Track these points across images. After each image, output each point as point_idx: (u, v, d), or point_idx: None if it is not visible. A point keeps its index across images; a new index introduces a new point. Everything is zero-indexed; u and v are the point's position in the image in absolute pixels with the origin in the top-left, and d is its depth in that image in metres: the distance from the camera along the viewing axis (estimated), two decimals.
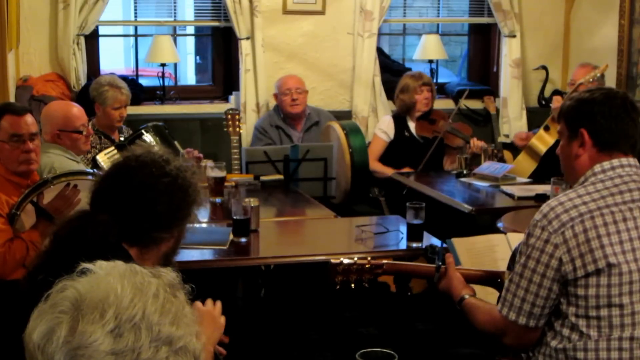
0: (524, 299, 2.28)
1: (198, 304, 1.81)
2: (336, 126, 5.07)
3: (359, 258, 2.61)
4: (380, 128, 5.45)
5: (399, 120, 5.43)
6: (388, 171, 5.23)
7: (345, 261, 2.56)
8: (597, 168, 2.34)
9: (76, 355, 1.14)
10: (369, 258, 2.59)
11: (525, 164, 4.88)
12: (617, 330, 2.22)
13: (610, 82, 5.46)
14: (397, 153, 5.33)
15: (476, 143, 5.12)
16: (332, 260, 2.56)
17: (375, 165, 5.29)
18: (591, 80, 4.90)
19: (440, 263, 2.63)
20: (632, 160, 2.36)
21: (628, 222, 2.26)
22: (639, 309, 2.22)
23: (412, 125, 5.41)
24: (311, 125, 5.42)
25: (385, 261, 2.62)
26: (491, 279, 2.64)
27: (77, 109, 4.11)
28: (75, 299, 1.17)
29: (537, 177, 4.76)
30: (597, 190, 2.29)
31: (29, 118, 3.44)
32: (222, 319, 1.96)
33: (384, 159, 5.37)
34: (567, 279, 2.23)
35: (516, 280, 2.30)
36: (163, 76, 5.83)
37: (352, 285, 2.57)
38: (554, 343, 2.27)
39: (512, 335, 2.32)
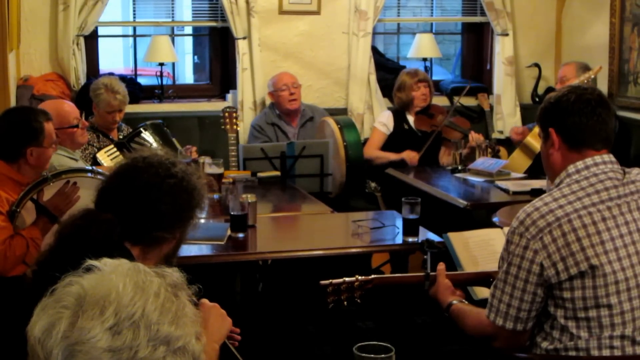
0: (509, 304, 2.27)
1: (205, 301, 1.80)
2: (330, 121, 5.11)
3: (347, 277, 2.57)
4: (380, 121, 5.51)
5: (399, 114, 5.49)
6: (390, 156, 5.28)
7: (334, 282, 2.54)
8: (571, 169, 2.32)
9: (74, 350, 1.14)
10: (357, 276, 2.57)
11: (520, 161, 4.90)
12: (607, 330, 2.21)
13: (603, 79, 5.50)
14: (396, 146, 5.37)
15: (475, 136, 5.17)
16: (321, 283, 2.55)
17: (377, 153, 5.33)
18: (586, 82, 4.93)
19: (428, 271, 2.62)
20: (607, 157, 2.34)
21: (608, 221, 2.24)
22: (627, 308, 2.22)
23: (411, 119, 5.47)
24: (306, 121, 5.46)
25: (373, 276, 2.60)
26: (483, 279, 2.63)
27: (68, 105, 4.14)
28: (78, 294, 1.18)
29: (531, 174, 4.79)
30: (573, 192, 2.27)
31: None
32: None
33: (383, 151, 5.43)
34: (551, 283, 2.22)
35: (500, 286, 2.30)
36: (161, 75, 5.87)
37: (345, 303, 2.55)
38: (545, 344, 2.28)
39: (501, 339, 2.33)
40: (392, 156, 5.28)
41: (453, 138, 5.34)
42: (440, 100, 6.01)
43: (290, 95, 5.35)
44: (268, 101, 5.60)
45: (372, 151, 5.35)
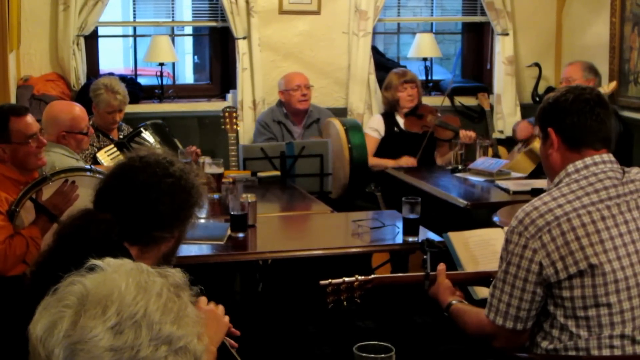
0: (509, 304, 2.28)
1: (203, 302, 1.80)
2: (336, 122, 5.10)
3: (346, 277, 2.57)
4: (371, 126, 5.51)
5: (388, 117, 5.49)
6: (388, 162, 5.27)
7: (334, 282, 2.54)
8: (571, 168, 2.33)
9: (75, 349, 1.14)
10: (357, 276, 2.57)
11: (525, 164, 4.89)
12: (607, 329, 2.22)
13: (603, 79, 5.49)
14: (389, 149, 5.37)
15: (465, 134, 5.16)
16: (321, 283, 2.55)
17: (373, 160, 5.33)
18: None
19: (428, 271, 2.62)
20: (606, 156, 2.34)
21: (607, 220, 2.25)
22: (627, 307, 2.22)
23: (401, 121, 5.46)
24: (312, 122, 5.46)
25: (373, 276, 2.61)
26: (483, 278, 2.64)
27: (80, 110, 4.12)
28: (81, 294, 1.18)
29: (532, 174, 4.79)
30: (572, 191, 2.28)
31: (30, 115, 3.47)
32: (226, 318, 1.95)
33: (378, 156, 5.41)
34: (550, 282, 2.23)
35: (499, 285, 2.30)
36: (161, 75, 5.87)
37: (345, 303, 2.55)
38: (544, 344, 2.28)
39: (501, 339, 2.33)
40: (389, 163, 5.27)
41: (445, 137, 5.33)
42: (440, 100, 6.01)
43: (302, 95, 5.36)
44: (270, 100, 5.60)
45: (369, 158, 5.32)
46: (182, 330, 1.20)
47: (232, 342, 2.01)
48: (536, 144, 4.87)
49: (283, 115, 5.43)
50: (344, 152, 4.94)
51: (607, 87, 5.03)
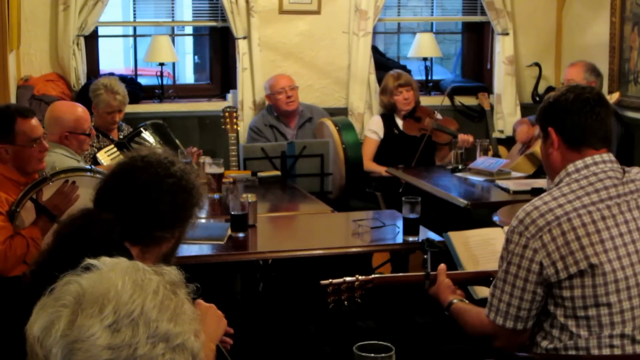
0: (509, 304, 2.28)
1: (201, 301, 1.78)
2: (328, 123, 5.10)
3: (347, 277, 2.57)
4: (370, 128, 5.51)
5: (387, 118, 5.48)
6: (381, 170, 5.27)
7: (335, 281, 2.54)
8: (571, 168, 2.33)
9: (73, 348, 1.14)
10: (357, 276, 2.57)
11: (526, 167, 4.89)
12: (607, 329, 2.22)
13: (603, 79, 5.50)
14: (389, 151, 5.37)
15: (464, 138, 5.15)
16: (322, 283, 2.55)
17: (370, 165, 5.32)
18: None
19: (429, 270, 2.62)
20: (606, 156, 2.34)
21: (607, 220, 2.25)
22: (627, 307, 2.22)
23: (400, 122, 5.46)
24: (304, 122, 5.46)
25: (373, 276, 2.61)
26: (484, 278, 2.64)
27: (83, 111, 4.12)
28: (77, 293, 1.18)
29: (532, 174, 4.80)
30: (573, 191, 2.28)
31: (36, 118, 3.47)
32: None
33: (377, 158, 5.41)
34: (550, 282, 2.23)
35: (500, 285, 2.31)
36: (162, 75, 5.87)
37: (345, 303, 2.55)
38: (544, 343, 2.28)
39: (501, 338, 2.33)
40: (383, 171, 5.27)
41: (442, 141, 5.33)
42: (441, 100, 6.00)
43: (287, 98, 5.35)
44: (266, 102, 5.61)
45: (366, 162, 5.31)
46: (179, 327, 1.20)
47: (227, 339, 2.00)
48: (537, 148, 4.86)
49: (275, 119, 5.43)
50: (338, 152, 4.95)
51: (610, 98, 5.02)
